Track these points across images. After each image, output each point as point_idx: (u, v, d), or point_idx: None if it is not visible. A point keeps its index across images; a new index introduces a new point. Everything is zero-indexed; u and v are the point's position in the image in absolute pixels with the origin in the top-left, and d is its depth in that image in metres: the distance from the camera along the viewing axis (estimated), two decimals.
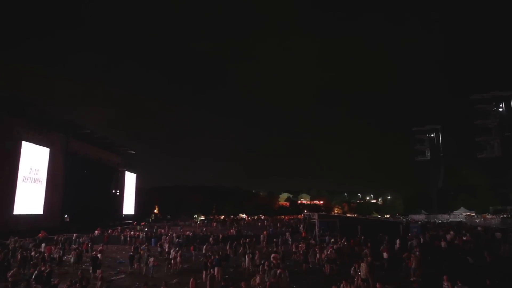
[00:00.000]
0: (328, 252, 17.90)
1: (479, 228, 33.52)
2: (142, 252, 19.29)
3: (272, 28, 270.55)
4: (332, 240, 23.61)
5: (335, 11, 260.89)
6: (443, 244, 22.01)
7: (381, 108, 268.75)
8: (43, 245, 23.07)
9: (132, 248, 21.58)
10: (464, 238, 24.88)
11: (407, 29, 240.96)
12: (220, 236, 29.26)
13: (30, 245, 22.52)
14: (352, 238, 23.18)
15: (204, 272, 15.72)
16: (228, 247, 21.93)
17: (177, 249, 19.95)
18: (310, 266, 18.40)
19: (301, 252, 20.92)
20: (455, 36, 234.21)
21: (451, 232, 27.51)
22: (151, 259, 17.50)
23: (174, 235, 29.36)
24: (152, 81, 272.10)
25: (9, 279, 13.49)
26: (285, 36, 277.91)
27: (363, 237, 24.16)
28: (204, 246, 23.07)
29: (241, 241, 24.01)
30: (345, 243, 21.76)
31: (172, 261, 18.17)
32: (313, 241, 24.88)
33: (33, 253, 19.13)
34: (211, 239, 27.32)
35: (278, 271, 13.11)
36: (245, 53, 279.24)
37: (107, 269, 18.63)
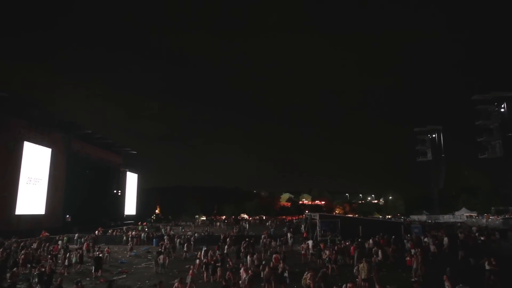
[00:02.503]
0: (328, 252, 17.91)
1: (473, 228, 33.40)
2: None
3: (276, 23, 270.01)
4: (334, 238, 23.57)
5: (340, 7, 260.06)
6: (432, 248, 20.88)
7: (382, 108, 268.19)
8: (60, 242, 23.97)
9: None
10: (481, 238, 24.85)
11: (410, 28, 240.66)
12: (222, 236, 29.33)
13: (34, 245, 22.60)
14: (381, 238, 23.08)
15: (205, 273, 15.76)
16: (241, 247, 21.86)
17: (204, 248, 18.95)
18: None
19: (303, 252, 21.03)
20: (458, 36, 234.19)
21: (461, 232, 27.35)
22: (161, 256, 17.58)
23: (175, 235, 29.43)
24: (154, 81, 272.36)
25: (9, 280, 13.51)
26: (290, 30, 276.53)
27: (393, 236, 23.71)
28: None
29: (251, 240, 24.14)
30: (347, 244, 21.73)
31: (197, 261, 17.24)
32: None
33: (37, 253, 19.28)
34: (228, 239, 27.01)
35: (322, 270, 13.07)
36: (242, 45, 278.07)
37: (109, 268, 18.74)
